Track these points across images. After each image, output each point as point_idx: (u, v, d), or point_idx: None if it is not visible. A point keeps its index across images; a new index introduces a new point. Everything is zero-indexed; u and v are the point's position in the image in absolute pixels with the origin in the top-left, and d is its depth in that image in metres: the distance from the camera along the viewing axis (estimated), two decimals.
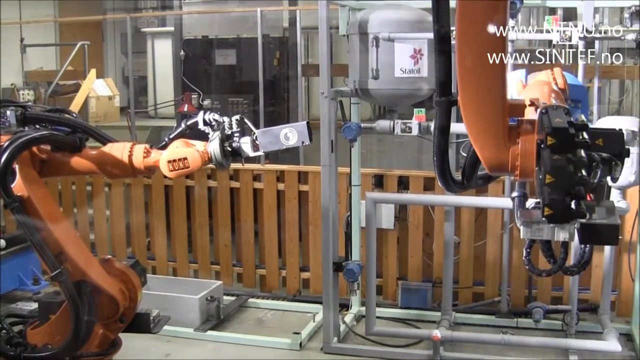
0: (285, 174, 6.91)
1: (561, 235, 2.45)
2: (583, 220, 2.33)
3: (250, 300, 6.86)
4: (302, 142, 3.05)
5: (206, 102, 8.59)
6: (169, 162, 3.03)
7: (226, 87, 8.79)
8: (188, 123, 3.16)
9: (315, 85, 8.28)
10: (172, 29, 9.21)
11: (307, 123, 3.07)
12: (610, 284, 5.75)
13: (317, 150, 5.65)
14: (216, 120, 3.11)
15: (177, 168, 3.03)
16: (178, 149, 3.07)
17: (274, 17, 8.59)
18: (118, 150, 3.10)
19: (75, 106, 9.00)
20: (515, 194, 3.02)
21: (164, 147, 3.12)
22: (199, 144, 3.08)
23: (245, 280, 7.21)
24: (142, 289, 3.29)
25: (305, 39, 8.77)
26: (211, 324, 6.16)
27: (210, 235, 7.31)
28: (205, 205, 7.21)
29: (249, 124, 3.10)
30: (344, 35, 5.72)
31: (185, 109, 8.56)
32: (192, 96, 8.58)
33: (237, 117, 3.11)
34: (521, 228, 2.58)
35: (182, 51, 8.76)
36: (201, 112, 3.14)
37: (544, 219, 2.33)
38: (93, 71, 8.93)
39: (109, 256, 3.35)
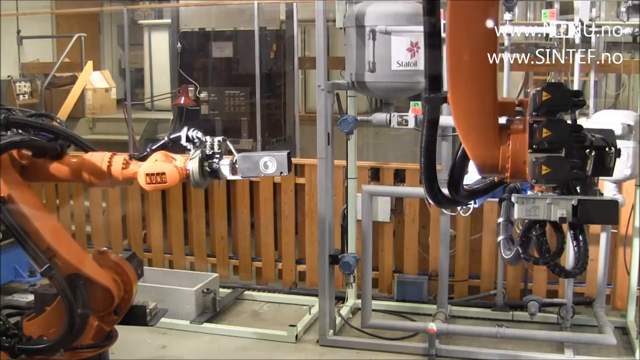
0: None
1: (558, 212, 2.42)
2: (581, 197, 2.31)
3: (246, 292, 6.87)
4: (281, 173, 3.07)
5: (203, 95, 8.60)
6: (147, 175, 3.05)
7: (223, 79, 8.78)
8: (171, 137, 3.18)
9: (312, 78, 8.29)
10: (169, 21, 9.19)
11: (288, 154, 3.08)
12: (605, 277, 5.77)
13: (313, 143, 5.64)
14: (199, 139, 3.13)
15: (154, 182, 3.04)
16: (157, 162, 3.08)
17: (271, 10, 8.58)
18: (97, 159, 3.12)
19: (71, 98, 9.01)
20: (500, 219, 2.98)
21: (144, 158, 3.14)
22: (179, 159, 3.10)
23: (241, 273, 7.21)
24: (137, 282, 3.30)
25: (302, 31, 8.78)
26: (207, 316, 6.17)
27: (206, 228, 7.31)
28: (202, 197, 7.21)
29: (231, 147, 3.14)
30: (340, 28, 5.71)
31: (182, 102, 8.57)
32: (189, 89, 8.59)
33: (220, 138, 3.13)
34: (515, 206, 2.52)
35: (178, 43, 8.76)
36: (185, 128, 3.16)
37: (536, 192, 2.30)
38: (90, 63, 8.92)
39: (105, 248, 3.36)
